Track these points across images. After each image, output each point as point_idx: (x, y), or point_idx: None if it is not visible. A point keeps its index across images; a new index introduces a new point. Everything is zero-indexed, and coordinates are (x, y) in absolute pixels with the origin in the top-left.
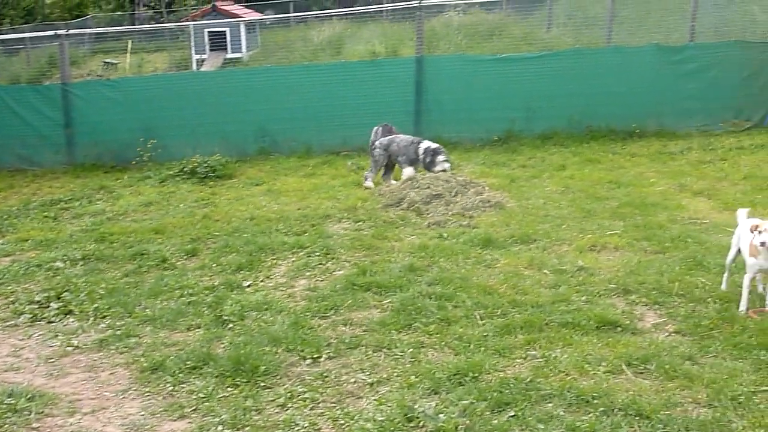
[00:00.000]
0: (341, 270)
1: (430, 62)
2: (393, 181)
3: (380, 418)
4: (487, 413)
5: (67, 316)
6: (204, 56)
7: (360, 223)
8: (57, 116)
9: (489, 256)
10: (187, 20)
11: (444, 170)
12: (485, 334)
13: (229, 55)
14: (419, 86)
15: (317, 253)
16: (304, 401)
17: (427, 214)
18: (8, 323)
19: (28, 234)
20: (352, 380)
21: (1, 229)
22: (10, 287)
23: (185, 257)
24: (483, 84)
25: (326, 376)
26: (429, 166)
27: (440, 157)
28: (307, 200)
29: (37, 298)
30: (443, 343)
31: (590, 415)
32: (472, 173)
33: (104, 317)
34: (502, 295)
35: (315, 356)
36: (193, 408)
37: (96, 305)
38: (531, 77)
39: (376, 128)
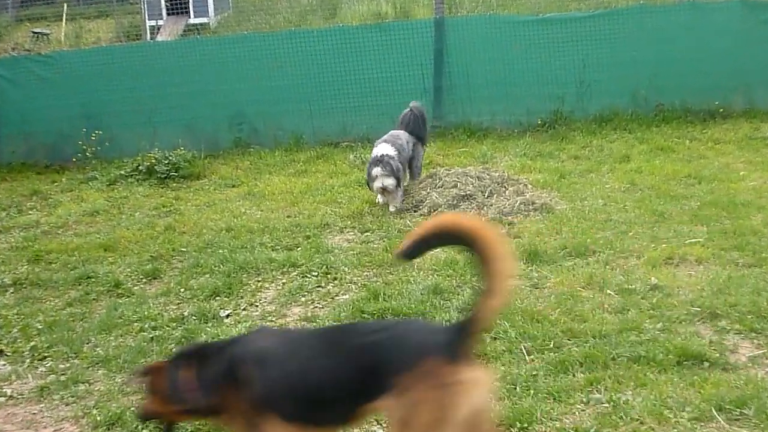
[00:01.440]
0: (346, 294)
1: (453, 25)
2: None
3: None
4: None
5: None
6: (160, 22)
7: (368, 233)
8: None
9: (536, 273)
10: None
11: (383, 189)
12: (534, 372)
13: (192, 21)
14: (439, 56)
15: (315, 273)
16: None
17: None
18: None
19: None
20: None
21: None
22: None
23: (144, 280)
24: (522, 52)
25: None
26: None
27: (375, 170)
28: (298, 205)
29: None
30: None
31: None
32: (510, 167)
33: (44, 359)
34: (554, 323)
35: None
36: None
37: (33, 343)
38: (584, 42)
39: (405, 113)
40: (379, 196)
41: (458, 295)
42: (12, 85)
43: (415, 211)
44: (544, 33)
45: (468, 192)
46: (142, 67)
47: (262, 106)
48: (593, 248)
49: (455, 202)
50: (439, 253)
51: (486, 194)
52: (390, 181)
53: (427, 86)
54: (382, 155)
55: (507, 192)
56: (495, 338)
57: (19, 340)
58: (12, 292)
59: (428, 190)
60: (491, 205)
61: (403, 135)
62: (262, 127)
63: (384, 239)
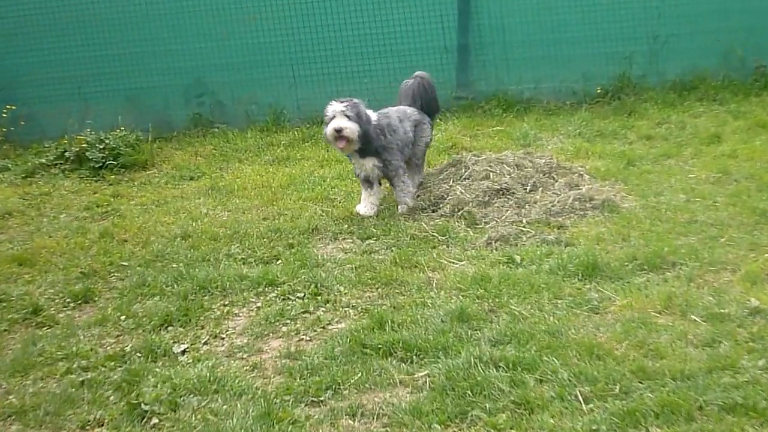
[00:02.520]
0: (342, 322)
1: None
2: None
3: None
4: None
5: None
6: None
7: (371, 240)
8: None
9: (595, 293)
10: None
11: (338, 134)
12: (595, 427)
13: None
14: (465, 4)
15: (300, 294)
16: None
17: (486, 222)
18: None
19: None
20: None
21: None
22: None
23: (72, 305)
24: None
25: None
26: None
27: (333, 107)
28: (278, 203)
29: None
30: None
31: None
32: (560, 152)
33: None
34: (620, 361)
35: None
36: None
37: None
38: None
39: (405, 83)
40: (362, 205)
41: (490, 322)
42: None
43: (433, 211)
44: None
45: (504, 185)
46: (70, 19)
47: (230, 72)
48: (672, 260)
49: (487, 198)
50: (466, 267)
51: (528, 188)
52: (350, 126)
53: (448, 44)
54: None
55: (556, 185)
56: (541, 380)
57: None
58: None
59: (451, 183)
60: (535, 203)
61: (398, 111)
62: (229, 101)
63: (392, 249)
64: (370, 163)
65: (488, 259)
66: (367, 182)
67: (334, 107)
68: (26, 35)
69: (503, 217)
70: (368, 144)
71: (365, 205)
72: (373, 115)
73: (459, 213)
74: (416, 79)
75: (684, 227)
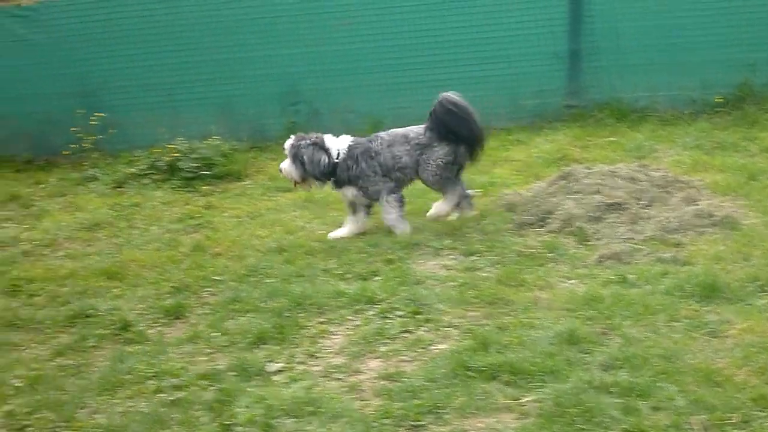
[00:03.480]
0: (444, 342)
1: None
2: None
3: None
4: None
5: None
6: None
7: (474, 257)
8: None
9: (714, 315)
10: None
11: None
12: None
13: None
14: (577, 8)
15: (399, 312)
16: None
17: (598, 239)
18: None
19: None
20: None
21: None
22: None
23: (163, 321)
24: (694, 1)
25: None
26: None
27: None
28: (376, 217)
29: None
30: None
31: None
32: (677, 165)
33: (23, 429)
34: (740, 388)
35: None
36: None
37: (9, 407)
38: None
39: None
40: (335, 231)
41: (602, 345)
42: None
43: (541, 226)
44: None
45: (617, 199)
46: (161, 25)
47: (326, 79)
48: None
49: (598, 213)
50: (576, 286)
51: (642, 203)
52: (287, 168)
53: (559, 50)
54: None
55: (673, 200)
56: (655, 407)
57: None
58: None
59: (560, 197)
60: (650, 219)
61: (394, 134)
62: (325, 109)
63: (497, 266)
64: (349, 192)
65: (599, 278)
66: (351, 206)
67: (285, 144)
68: (116, 41)
69: (616, 234)
70: (338, 176)
71: (338, 230)
72: (342, 145)
73: (568, 229)
74: (438, 100)
75: None
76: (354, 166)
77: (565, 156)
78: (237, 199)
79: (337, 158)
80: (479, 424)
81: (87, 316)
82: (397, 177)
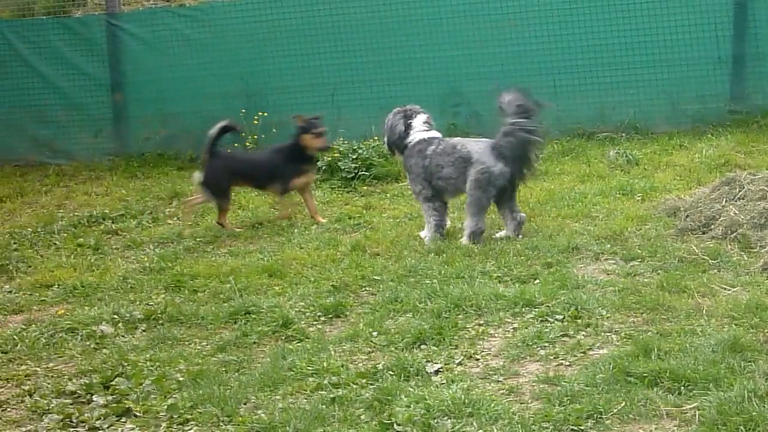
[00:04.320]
0: (603, 347)
1: None
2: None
3: None
4: None
5: (122, 418)
6: None
7: (635, 262)
8: (97, 71)
9: None
10: None
11: None
12: None
13: None
14: (742, 11)
15: (559, 316)
16: None
17: (762, 246)
18: (24, 429)
19: (52, 276)
20: None
21: (8, 265)
22: (24, 367)
23: (323, 319)
24: None
25: None
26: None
27: None
28: (536, 220)
29: (70, 387)
30: None
31: None
32: None
33: (186, 422)
34: None
35: None
36: None
37: (171, 401)
38: None
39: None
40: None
41: (766, 354)
42: (146, 49)
43: (704, 233)
44: None
45: None
46: (324, 24)
47: (488, 81)
48: None
49: (763, 220)
50: (739, 294)
51: None
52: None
53: (722, 54)
54: None
55: None
56: None
57: (153, 396)
58: (144, 330)
59: (724, 203)
60: None
61: (449, 143)
62: (486, 111)
63: (658, 272)
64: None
65: (764, 286)
66: None
67: None
68: (279, 41)
69: None
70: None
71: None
72: (424, 135)
73: (732, 235)
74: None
75: None
76: (410, 158)
77: (728, 161)
78: (395, 200)
79: (406, 137)
80: (640, 430)
81: (248, 313)
82: (438, 185)
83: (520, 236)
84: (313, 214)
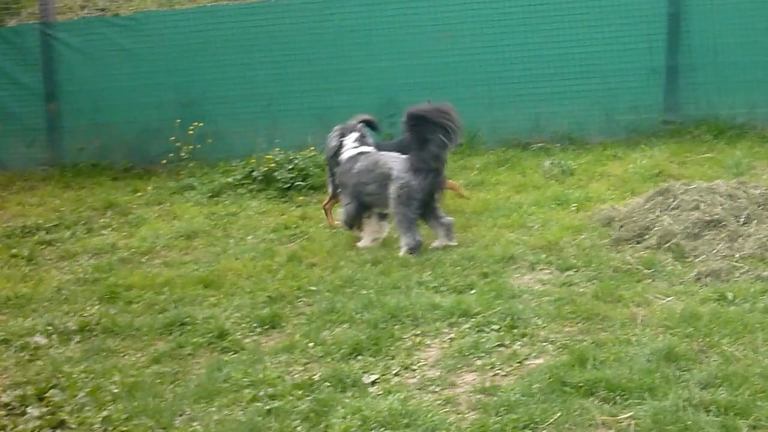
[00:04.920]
0: (539, 357)
1: None
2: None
3: None
4: None
5: (57, 430)
6: None
7: (570, 272)
8: (31, 81)
9: None
10: None
11: None
12: None
13: None
14: (675, 24)
15: (495, 326)
16: None
17: (696, 256)
18: None
19: None
20: None
21: None
22: None
23: (259, 330)
24: None
25: None
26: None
27: None
28: (472, 230)
29: (4, 399)
30: None
31: None
32: None
33: None
34: None
35: None
36: None
37: (106, 413)
38: None
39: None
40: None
41: (700, 363)
42: (81, 58)
43: (638, 243)
44: None
45: (715, 216)
46: (260, 35)
47: (423, 91)
48: None
49: (697, 230)
50: (674, 303)
51: (742, 220)
52: None
53: (656, 65)
54: None
55: None
56: (755, 426)
57: (87, 408)
58: (78, 342)
59: (658, 213)
60: (749, 236)
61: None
62: None
63: (593, 282)
64: None
65: (698, 296)
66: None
67: None
68: (215, 51)
69: (714, 251)
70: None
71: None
72: (355, 151)
73: (666, 245)
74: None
75: None
76: (341, 175)
77: (662, 172)
78: (332, 211)
79: (339, 154)
80: None
81: (184, 324)
82: (367, 201)
83: (453, 240)
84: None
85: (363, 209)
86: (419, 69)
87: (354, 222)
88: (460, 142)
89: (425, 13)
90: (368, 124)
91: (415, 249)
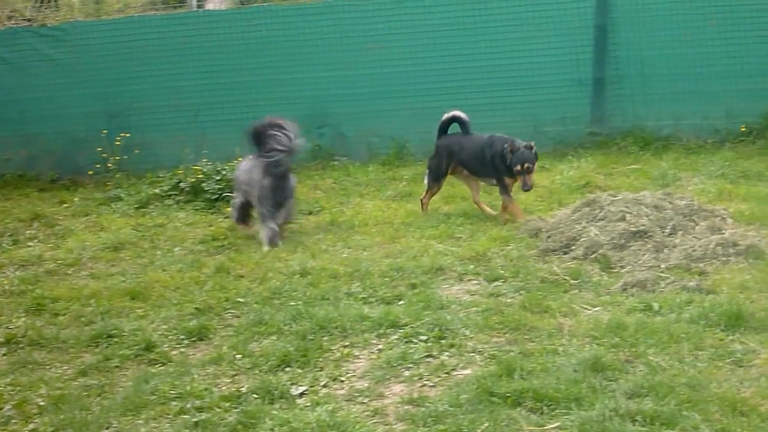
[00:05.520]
0: (467, 368)
1: None
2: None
3: None
4: None
5: None
6: None
7: (498, 282)
8: None
9: (739, 344)
10: None
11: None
12: None
13: None
14: (602, 36)
15: (423, 337)
16: None
17: (622, 266)
18: None
19: None
20: None
21: None
22: None
23: (186, 342)
24: (720, 30)
25: None
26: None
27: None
28: (400, 241)
29: None
30: None
31: None
32: (701, 193)
33: None
34: (765, 418)
35: None
36: None
37: (32, 426)
38: None
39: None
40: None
41: (626, 373)
42: (7, 68)
43: (565, 253)
44: (753, 1)
45: (641, 227)
46: (187, 46)
47: (352, 103)
48: None
49: (623, 240)
50: (600, 314)
51: (667, 231)
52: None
53: (583, 77)
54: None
55: (697, 228)
56: None
57: (13, 421)
58: (4, 354)
59: (584, 224)
60: (674, 247)
61: None
62: (350, 133)
63: (521, 292)
64: None
65: (624, 306)
66: None
67: None
68: (142, 61)
69: (640, 262)
70: None
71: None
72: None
73: (593, 256)
74: None
75: None
76: None
77: (588, 183)
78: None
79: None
80: None
81: (110, 337)
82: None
83: (274, 244)
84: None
85: (247, 206)
86: (349, 80)
87: (238, 216)
88: (298, 150)
89: (355, 24)
90: (458, 120)
91: (274, 238)
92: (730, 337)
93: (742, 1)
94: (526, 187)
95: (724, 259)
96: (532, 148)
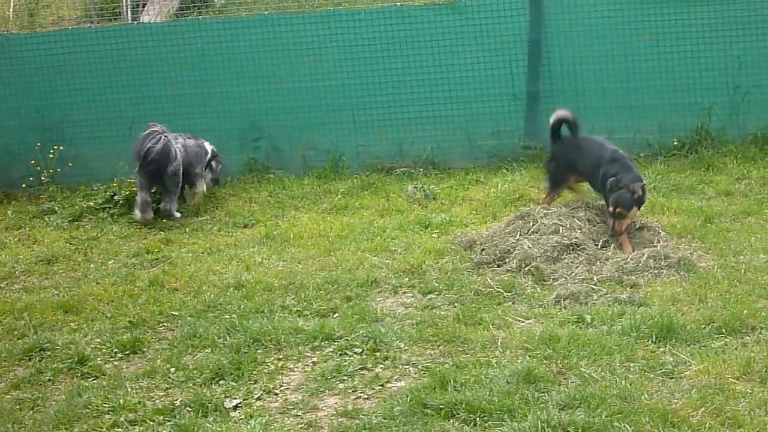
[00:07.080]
0: (401, 380)
1: (557, 6)
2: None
3: None
4: None
5: None
6: None
7: (432, 295)
8: None
9: (670, 356)
10: None
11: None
12: None
13: None
14: (536, 50)
15: (358, 349)
16: None
17: (555, 279)
18: None
19: None
20: None
21: None
22: None
23: (120, 355)
24: (653, 45)
25: None
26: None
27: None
28: (335, 254)
29: None
30: None
31: None
32: None
33: None
34: (695, 428)
35: None
36: None
37: None
38: (740, 31)
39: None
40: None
41: (559, 385)
42: None
43: (499, 266)
44: (684, 18)
45: (574, 240)
46: (121, 58)
47: (287, 116)
48: (752, 323)
49: (556, 253)
50: (533, 326)
51: (600, 244)
52: None
53: (517, 91)
54: None
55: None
56: None
57: None
58: None
59: (518, 237)
60: (607, 260)
61: None
62: (286, 146)
63: (455, 305)
64: None
65: (557, 318)
66: None
67: None
68: (77, 74)
69: (573, 274)
70: None
71: None
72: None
73: (526, 268)
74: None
75: (765, 289)
76: None
77: (522, 196)
78: (194, 235)
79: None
80: None
81: (43, 350)
82: None
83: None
84: None
85: None
86: (283, 93)
87: None
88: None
89: (289, 37)
90: (566, 121)
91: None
92: (662, 349)
93: (673, 17)
94: (611, 232)
95: (655, 271)
96: (634, 192)
